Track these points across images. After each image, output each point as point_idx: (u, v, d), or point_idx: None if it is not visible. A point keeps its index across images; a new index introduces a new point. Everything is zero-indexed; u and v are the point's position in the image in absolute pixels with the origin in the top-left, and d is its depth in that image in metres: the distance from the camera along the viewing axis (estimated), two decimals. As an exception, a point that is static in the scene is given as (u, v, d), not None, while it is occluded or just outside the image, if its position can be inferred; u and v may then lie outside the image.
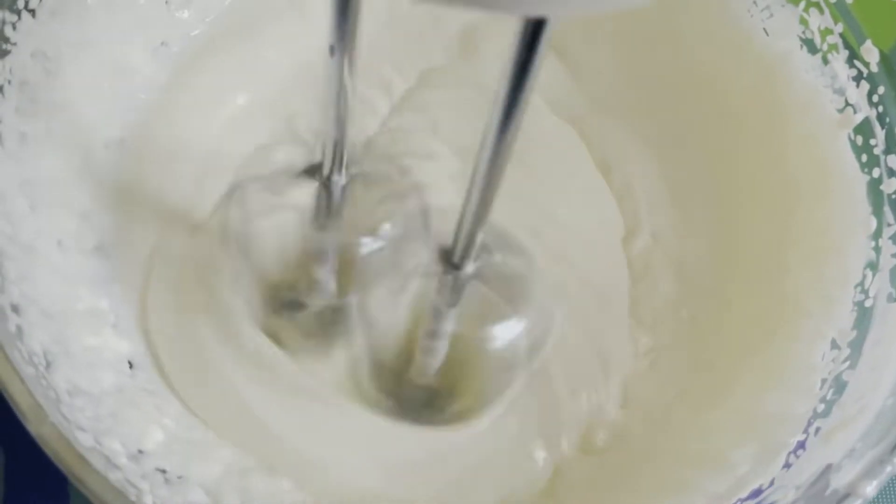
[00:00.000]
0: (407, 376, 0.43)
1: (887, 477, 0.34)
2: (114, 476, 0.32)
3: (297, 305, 0.44)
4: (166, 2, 0.49)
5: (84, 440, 0.33)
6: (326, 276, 0.44)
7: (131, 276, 0.46)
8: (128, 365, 0.42)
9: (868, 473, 0.34)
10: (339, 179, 0.41)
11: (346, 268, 0.43)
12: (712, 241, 0.51)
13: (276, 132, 0.51)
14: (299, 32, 0.53)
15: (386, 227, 0.43)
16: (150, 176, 0.49)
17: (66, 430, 0.32)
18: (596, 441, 0.46)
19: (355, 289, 0.43)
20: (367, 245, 0.43)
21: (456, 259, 0.38)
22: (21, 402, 0.32)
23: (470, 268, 0.38)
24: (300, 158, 0.43)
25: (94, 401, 0.37)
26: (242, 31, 0.52)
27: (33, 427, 0.32)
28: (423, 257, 0.40)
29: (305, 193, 0.42)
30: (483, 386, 0.43)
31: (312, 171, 0.42)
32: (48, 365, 0.36)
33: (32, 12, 0.42)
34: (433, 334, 0.41)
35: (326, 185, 0.41)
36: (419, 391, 0.43)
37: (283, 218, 0.43)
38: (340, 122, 0.36)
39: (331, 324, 0.44)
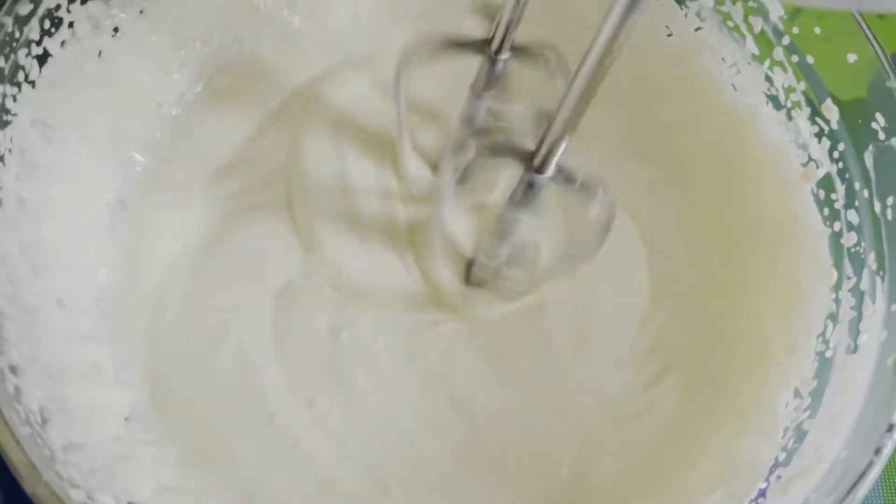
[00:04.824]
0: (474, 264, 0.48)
1: (834, 527, 0.36)
2: (103, 531, 0.34)
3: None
4: (164, 69, 0.51)
5: (76, 496, 0.35)
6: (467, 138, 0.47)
7: (133, 326, 0.48)
8: (124, 417, 0.44)
9: (817, 525, 0.36)
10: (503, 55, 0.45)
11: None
12: (691, 284, 0.53)
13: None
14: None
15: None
16: (151, 228, 0.51)
17: (59, 489, 0.34)
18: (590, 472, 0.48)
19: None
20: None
21: (537, 162, 0.39)
22: (17, 462, 0.34)
23: (549, 172, 0.40)
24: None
25: (89, 455, 0.39)
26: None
27: (28, 486, 0.34)
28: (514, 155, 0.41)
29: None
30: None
31: (480, 45, 0.46)
32: (44, 422, 0.38)
33: (32, 83, 0.44)
34: (500, 231, 0.44)
35: (492, 58, 0.46)
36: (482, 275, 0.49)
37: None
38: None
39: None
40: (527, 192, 0.41)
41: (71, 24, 0.45)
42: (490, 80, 0.47)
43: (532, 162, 0.39)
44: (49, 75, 0.45)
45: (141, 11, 0.49)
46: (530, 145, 0.40)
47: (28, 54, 0.43)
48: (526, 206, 0.42)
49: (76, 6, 0.45)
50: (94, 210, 0.49)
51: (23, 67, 0.43)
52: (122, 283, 0.49)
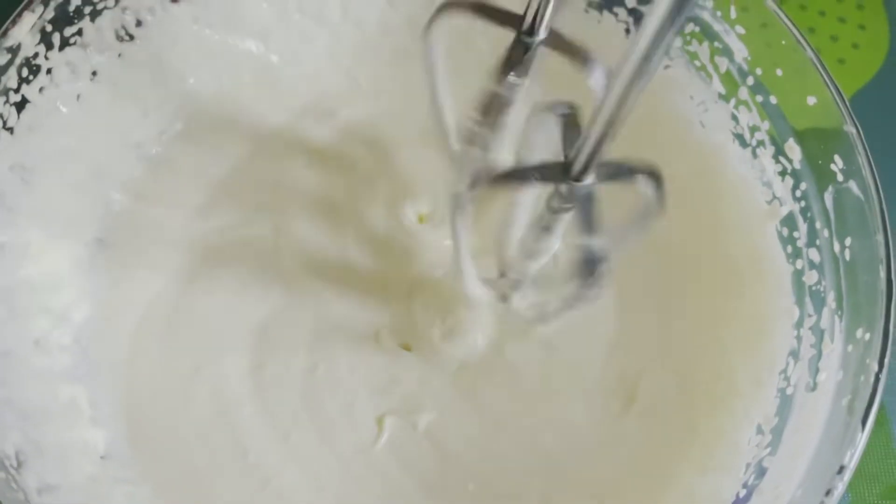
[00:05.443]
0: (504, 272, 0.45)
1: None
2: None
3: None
4: (142, 109, 0.52)
5: (48, 540, 0.36)
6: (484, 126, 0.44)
7: (110, 365, 0.49)
8: (100, 456, 0.45)
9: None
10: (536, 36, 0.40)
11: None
12: (657, 318, 0.53)
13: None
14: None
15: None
16: (130, 266, 0.52)
17: (31, 534, 0.35)
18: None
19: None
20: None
21: (575, 170, 0.35)
22: (-11, 510, 0.35)
23: (588, 180, 0.35)
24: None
25: (63, 496, 0.40)
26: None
27: (-1, 533, 0.35)
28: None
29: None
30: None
31: (512, 21, 0.40)
32: (20, 465, 0.39)
33: (10, 130, 0.45)
34: (537, 237, 0.41)
35: (523, 37, 0.40)
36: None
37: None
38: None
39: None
40: (565, 203, 0.37)
41: (49, 71, 0.46)
42: (517, 64, 0.41)
43: (569, 172, 0.35)
44: (27, 120, 0.46)
45: (119, 55, 0.50)
46: (555, 158, 0.35)
47: (6, 102, 0.44)
48: (567, 213, 0.38)
49: (54, 53, 0.46)
50: (73, 250, 0.50)
51: (1, 115, 0.44)
52: (101, 322, 0.50)
